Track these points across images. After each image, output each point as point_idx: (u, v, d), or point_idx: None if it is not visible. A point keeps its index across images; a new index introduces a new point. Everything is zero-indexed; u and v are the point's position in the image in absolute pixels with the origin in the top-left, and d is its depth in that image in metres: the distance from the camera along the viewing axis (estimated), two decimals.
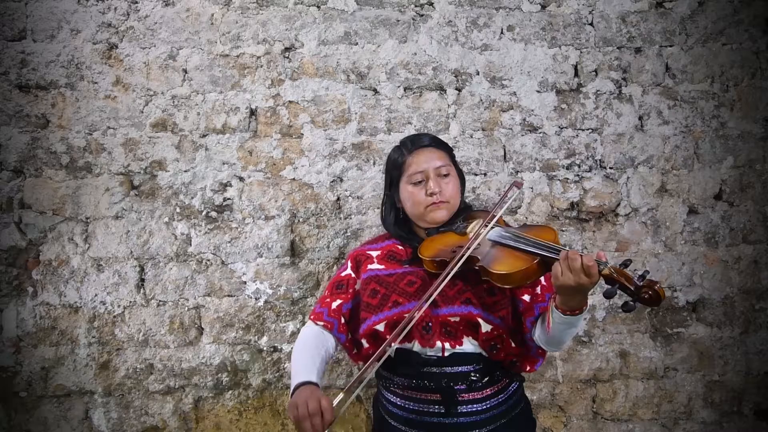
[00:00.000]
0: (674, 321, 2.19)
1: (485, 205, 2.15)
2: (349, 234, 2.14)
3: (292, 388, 1.39)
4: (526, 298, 1.51)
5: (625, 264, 1.26)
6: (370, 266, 1.60)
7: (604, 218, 2.19)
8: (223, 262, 2.11)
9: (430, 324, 1.47)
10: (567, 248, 1.31)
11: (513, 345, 1.49)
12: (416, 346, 1.49)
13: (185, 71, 2.13)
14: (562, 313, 1.33)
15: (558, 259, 1.29)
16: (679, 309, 2.19)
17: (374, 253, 1.63)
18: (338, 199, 2.15)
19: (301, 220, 2.14)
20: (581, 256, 1.25)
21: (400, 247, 1.63)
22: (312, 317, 1.60)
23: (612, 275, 1.24)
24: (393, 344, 1.40)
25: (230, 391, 2.11)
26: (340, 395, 1.32)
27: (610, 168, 2.20)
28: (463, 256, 1.42)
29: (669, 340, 2.19)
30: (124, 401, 2.08)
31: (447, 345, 1.46)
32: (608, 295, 1.24)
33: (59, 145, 2.08)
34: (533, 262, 1.35)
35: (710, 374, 2.19)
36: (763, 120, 2.23)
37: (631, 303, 1.23)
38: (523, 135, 2.18)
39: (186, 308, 2.10)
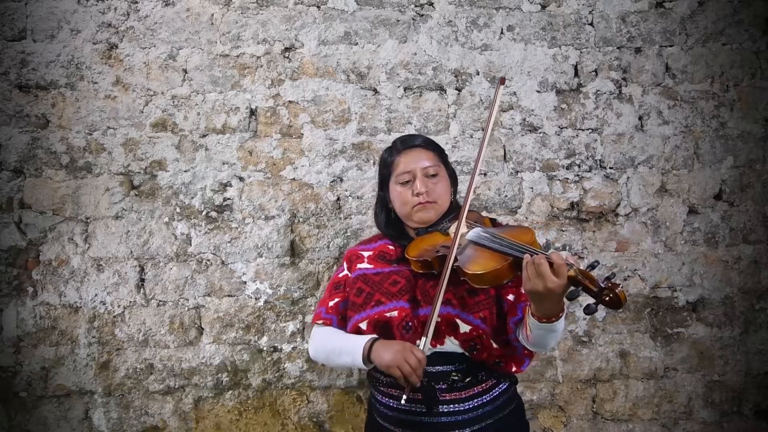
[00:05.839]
0: (674, 321, 2.19)
1: (485, 204, 2.15)
2: (349, 234, 2.14)
3: (363, 349, 1.43)
4: (511, 297, 1.50)
5: (592, 266, 1.26)
6: (359, 265, 1.62)
7: (604, 218, 2.19)
8: (223, 262, 2.11)
9: (410, 324, 1.47)
10: (540, 251, 1.30)
11: (495, 346, 1.47)
12: None
13: (185, 71, 2.13)
14: (538, 321, 1.32)
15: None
16: (679, 309, 2.19)
17: (366, 253, 1.65)
18: (338, 199, 2.15)
19: (301, 220, 2.14)
20: (546, 257, 1.24)
21: (391, 247, 1.64)
22: (313, 319, 1.64)
23: (576, 277, 1.24)
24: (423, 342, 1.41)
25: (230, 391, 2.11)
26: (423, 339, 1.38)
27: (610, 168, 2.20)
28: (449, 257, 1.42)
29: (669, 340, 2.18)
30: (124, 401, 2.08)
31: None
32: (570, 297, 1.23)
33: (59, 145, 2.08)
34: (505, 263, 1.35)
35: (710, 374, 2.19)
36: (763, 120, 2.23)
37: (593, 305, 1.22)
38: (523, 135, 2.18)
39: (186, 308, 2.10)
